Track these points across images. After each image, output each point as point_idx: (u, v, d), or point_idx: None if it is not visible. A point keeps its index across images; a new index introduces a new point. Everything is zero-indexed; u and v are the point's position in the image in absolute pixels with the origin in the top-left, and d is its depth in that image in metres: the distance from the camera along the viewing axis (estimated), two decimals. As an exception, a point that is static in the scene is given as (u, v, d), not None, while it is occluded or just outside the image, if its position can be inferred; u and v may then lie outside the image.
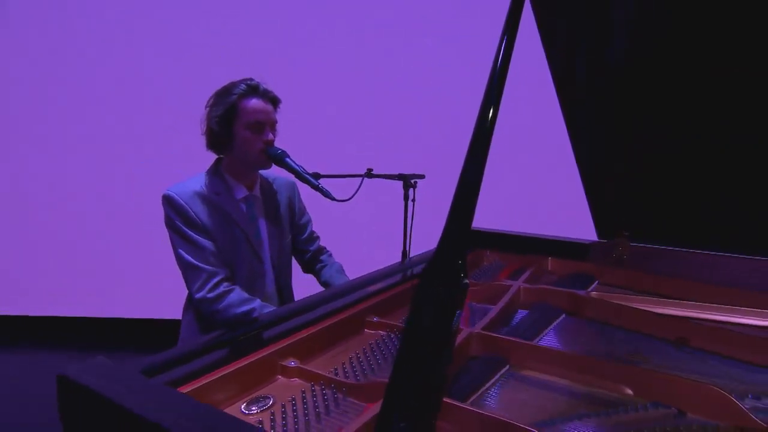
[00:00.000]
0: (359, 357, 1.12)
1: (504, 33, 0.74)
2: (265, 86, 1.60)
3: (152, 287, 3.40)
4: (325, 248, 1.98)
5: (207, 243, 1.54)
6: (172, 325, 3.33)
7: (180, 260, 1.55)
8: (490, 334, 1.15)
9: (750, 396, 1.00)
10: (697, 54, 1.23)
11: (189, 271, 1.54)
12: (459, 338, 1.11)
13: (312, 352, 1.13)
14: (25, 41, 3.45)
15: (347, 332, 1.24)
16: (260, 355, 1.01)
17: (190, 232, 1.53)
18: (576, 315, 1.40)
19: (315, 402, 0.93)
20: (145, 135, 3.50)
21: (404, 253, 2.09)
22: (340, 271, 1.93)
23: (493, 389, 1.03)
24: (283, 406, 0.91)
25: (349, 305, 1.29)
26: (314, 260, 1.92)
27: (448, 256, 0.63)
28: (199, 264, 1.52)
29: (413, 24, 3.48)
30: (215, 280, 1.53)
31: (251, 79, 1.60)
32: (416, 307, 0.62)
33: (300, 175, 1.56)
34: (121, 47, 3.47)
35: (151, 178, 3.43)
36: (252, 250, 1.64)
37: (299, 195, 1.89)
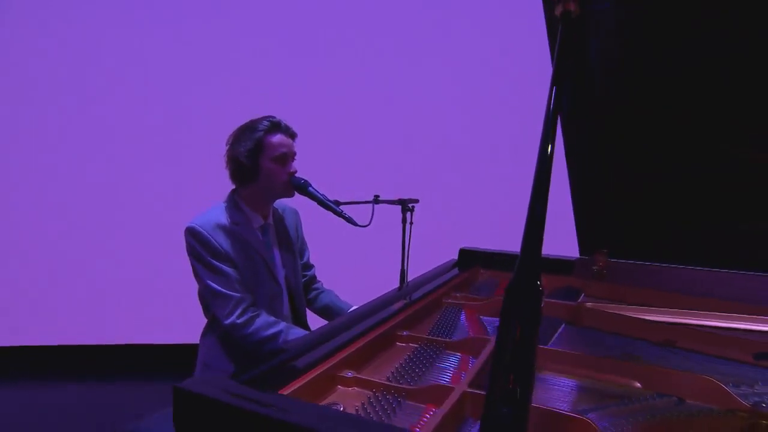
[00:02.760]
0: (403, 366, 1.26)
1: (553, 83, 0.92)
2: (285, 122, 1.74)
3: (147, 313, 3.40)
4: (317, 278, 2.11)
5: (231, 271, 1.64)
6: (164, 349, 3.33)
7: (207, 289, 1.64)
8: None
9: (731, 384, 1.21)
10: (672, 88, 1.46)
11: (217, 299, 1.63)
12: (489, 347, 1.27)
13: (361, 364, 1.25)
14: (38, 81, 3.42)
15: (384, 345, 1.37)
16: (323, 368, 1.13)
17: (215, 263, 1.63)
18: (574, 324, 1.60)
19: (383, 406, 1.06)
20: (153, 156, 3.53)
21: (402, 273, 2.24)
22: (338, 296, 2.06)
23: (523, 389, 1.19)
24: (356, 410, 1.04)
25: (381, 322, 1.42)
26: (308, 288, 2.05)
27: (528, 277, 0.79)
28: (227, 292, 1.62)
29: (409, 52, 3.68)
30: (243, 306, 1.63)
31: (273, 117, 1.73)
32: (505, 319, 0.78)
33: (323, 203, 1.70)
34: (134, 74, 3.51)
35: (151, 205, 3.46)
36: (271, 275, 1.75)
37: (301, 222, 2.02)
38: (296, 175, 1.73)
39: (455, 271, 2.07)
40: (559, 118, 1.54)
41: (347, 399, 1.10)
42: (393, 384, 1.13)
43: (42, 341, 3.49)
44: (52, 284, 3.46)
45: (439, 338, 1.41)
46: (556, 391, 1.19)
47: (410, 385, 1.15)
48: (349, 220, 1.70)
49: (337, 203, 1.74)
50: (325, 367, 1.14)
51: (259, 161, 1.67)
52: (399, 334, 1.43)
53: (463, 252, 2.20)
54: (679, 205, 1.74)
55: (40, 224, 3.47)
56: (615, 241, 1.95)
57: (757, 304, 1.57)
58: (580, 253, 2.03)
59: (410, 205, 2.13)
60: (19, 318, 3.45)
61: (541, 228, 0.83)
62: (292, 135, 1.75)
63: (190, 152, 3.44)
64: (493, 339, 1.32)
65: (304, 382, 1.07)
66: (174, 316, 3.26)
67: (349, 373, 1.17)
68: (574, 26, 0.96)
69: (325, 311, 2.01)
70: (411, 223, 2.15)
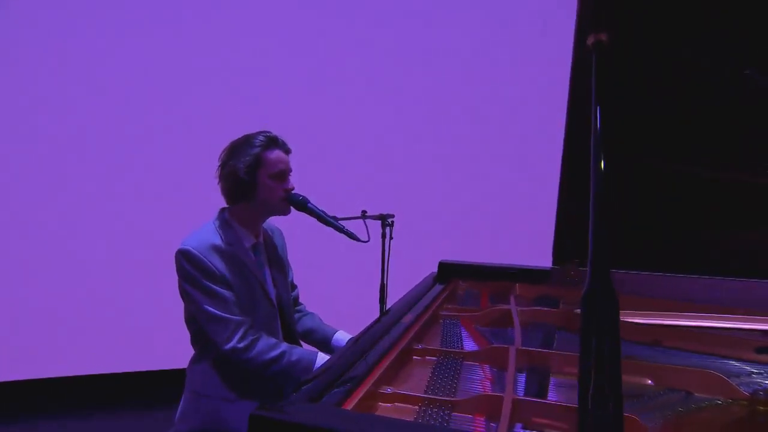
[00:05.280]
0: (433, 378, 1.28)
1: (596, 102, 1.00)
2: (282, 138, 1.71)
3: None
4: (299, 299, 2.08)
5: (229, 294, 1.58)
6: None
7: (204, 314, 1.56)
8: (530, 349, 1.39)
9: (721, 377, 1.35)
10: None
11: (215, 324, 1.56)
12: (511, 354, 1.32)
13: (391, 379, 1.26)
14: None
15: (405, 360, 1.38)
16: (366, 386, 1.13)
17: (213, 286, 1.56)
18: (566, 329, 1.70)
19: (435, 418, 1.07)
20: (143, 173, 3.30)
21: (382, 287, 2.26)
22: (321, 319, 2.03)
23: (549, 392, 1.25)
24: (412, 425, 1.04)
25: (398, 337, 1.43)
26: None
27: (603, 284, 0.85)
28: (226, 316, 1.56)
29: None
30: (243, 329, 1.57)
31: (268, 132, 1.69)
32: (586, 326, 0.83)
33: (323, 219, 1.69)
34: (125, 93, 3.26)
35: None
36: (266, 295, 1.70)
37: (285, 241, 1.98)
38: (293, 191, 1.70)
39: (438, 284, 2.12)
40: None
41: (395, 414, 1.10)
42: (435, 396, 1.15)
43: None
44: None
45: (456, 350, 1.45)
46: (575, 393, 1.27)
47: (451, 397, 1.17)
48: (352, 235, 1.70)
49: (335, 219, 1.74)
50: (368, 385, 1.13)
51: (257, 177, 1.63)
52: (415, 347, 1.45)
53: (442, 265, 2.26)
54: (644, 216, 1.92)
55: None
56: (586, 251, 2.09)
57: (721, 305, 1.77)
58: (553, 264, 2.16)
59: (389, 220, 2.17)
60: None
61: (607, 239, 0.90)
62: (288, 151, 1.72)
63: (178, 168, 3.26)
64: (510, 348, 1.38)
65: (354, 402, 1.06)
66: (136, 344, 3.05)
67: (389, 389, 1.17)
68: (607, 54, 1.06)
69: (308, 335, 1.96)
70: (391, 238, 2.18)
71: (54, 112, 3.16)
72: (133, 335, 3.13)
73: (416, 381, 1.28)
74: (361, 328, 2.00)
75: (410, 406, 1.14)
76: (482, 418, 1.09)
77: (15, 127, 3.12)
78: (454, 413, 1.10)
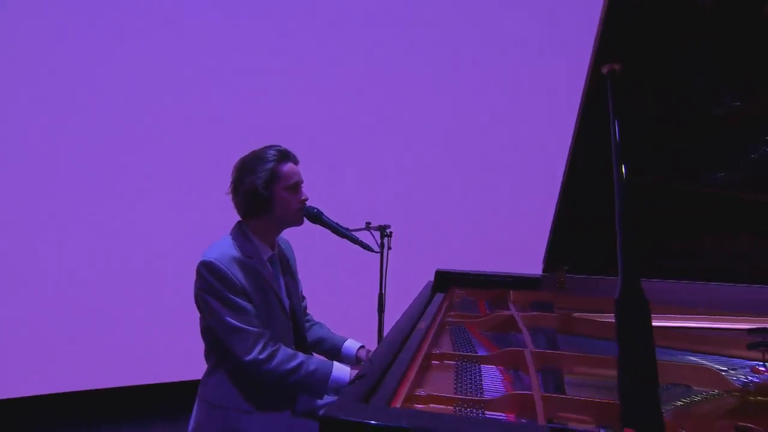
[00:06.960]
0: (459, 381, 1.35)
1: (614, 116, 1.11)
2: (291, 151, 1.76)
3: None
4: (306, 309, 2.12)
5: (249, 306, 1.62)
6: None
7: (225, 326, 1.59)
8: (543, 351, 1.49)
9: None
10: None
11: (235, 336, 1.59)
12: (528, 356, 1.42)
13: (420, 383, 1.33)
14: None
15: (427, 365, 1.46)
16: (404, 390, 1.19)
17: (234, 298, 1.59)
18: (565, 332, 1.81)
19: (473, 417, 1.15)
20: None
21: (380, 296, 2.33)
22: (330, 329, 2.07)
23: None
24: (453, 424, 1.11)
25: (419, 343, 1.50)
26: None
27: (634, 290, 0.95)
28: (246, 327, 1.59)
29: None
30: (263, 341, 1.61)
31: (278, 145, 1.74)
32: (623, 328, 0.93)
33: (337, 231, 1.74)
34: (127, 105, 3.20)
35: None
36: (281, 307, 1.74)
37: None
38: (307, 204, 1.75)
39: (438, 293, 2.20)
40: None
41: (433, 415, 1.17)
42: (468, 397, 1.22)
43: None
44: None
45: (472, 354, 1.53)
46: (587, 391, 1.37)
47: (480, 397, 1.25)
48: (366, 247, 1.76)
49: (348, 230, 1.80)
50: (405, 388, 1.20)
51: (274, 191, 1.67)
52: (433, 352, 1.53)
53: (439, 273, 2.34)
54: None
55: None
56: (574, 259, 2.22)
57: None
58: (543, 271, 2.28)
59: (388, 231, 2.25)
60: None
61: (634, 247, 1.00)
62: (297, 162, 1.77)
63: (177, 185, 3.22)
64: (525, 351, 1.47)
65: (398, 404, 1.13)
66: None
67: (422, 392, 1.24)
68: (621, 81, 1.17)
69: (318, 344, 2.00)
70: (389, 248, 2.26)
71: (53, 114, 3.09)
72: (134, 348, 3.06)
73: (442, 383, 1.36)
74: (361, 336, 2.07)
75: (444, 406, 1.21)
76: (513, 415, 1.17)
77: (12, 129, 3.04)
78: (487, 412, 1.18)
